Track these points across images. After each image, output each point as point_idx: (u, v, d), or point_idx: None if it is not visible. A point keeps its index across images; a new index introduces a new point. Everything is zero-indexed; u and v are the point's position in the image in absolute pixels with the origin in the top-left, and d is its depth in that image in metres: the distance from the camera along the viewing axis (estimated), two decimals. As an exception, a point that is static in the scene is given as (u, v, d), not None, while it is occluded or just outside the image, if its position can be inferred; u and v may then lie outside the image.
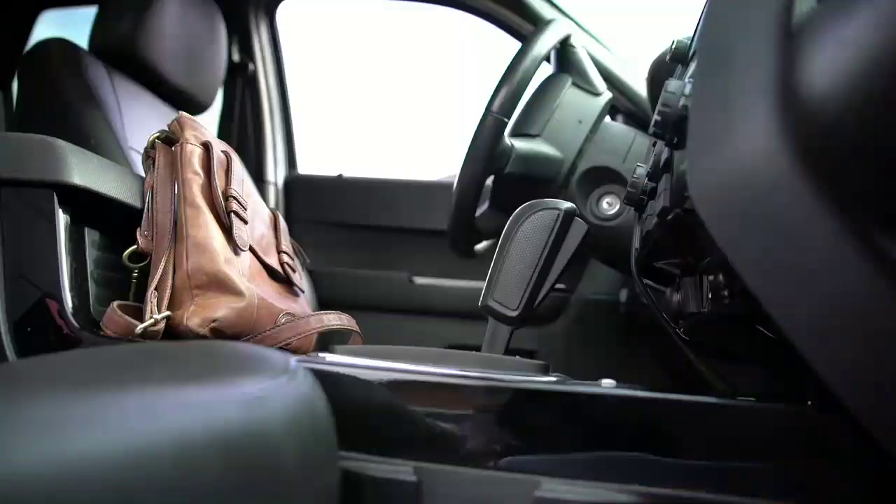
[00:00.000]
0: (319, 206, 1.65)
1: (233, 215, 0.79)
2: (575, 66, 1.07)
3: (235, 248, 0.79)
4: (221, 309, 0.73)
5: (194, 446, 0.33)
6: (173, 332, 0.73)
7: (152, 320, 0.70)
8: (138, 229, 0.76)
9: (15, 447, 0.27)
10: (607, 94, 1.08)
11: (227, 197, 0.80)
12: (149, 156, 0.80)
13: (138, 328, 0.70)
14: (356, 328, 0.87)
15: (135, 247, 0.75)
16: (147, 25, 1.11)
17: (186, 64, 1.21)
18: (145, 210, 0.77)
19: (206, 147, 0.81)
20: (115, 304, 0.71)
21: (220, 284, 0.74)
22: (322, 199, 1.65)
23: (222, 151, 0.84)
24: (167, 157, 0.79)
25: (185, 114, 0.84)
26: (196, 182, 0.78)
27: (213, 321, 0.72)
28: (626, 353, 1.45)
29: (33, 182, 0.70)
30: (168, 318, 0.72)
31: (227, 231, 0.79)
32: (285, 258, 0.92)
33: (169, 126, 0.82)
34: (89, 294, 0.74)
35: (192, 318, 0.71)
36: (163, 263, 0.74)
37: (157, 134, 0.81)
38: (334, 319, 0.84)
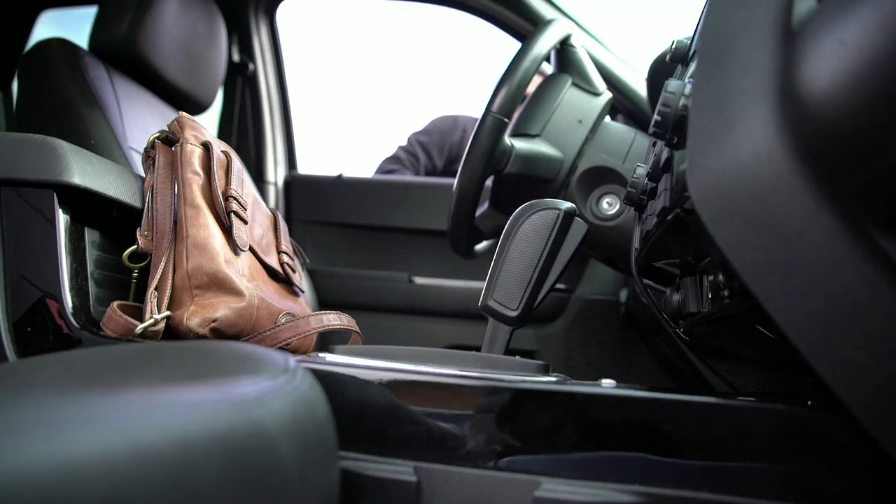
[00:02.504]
0: (319, 206, 1.65)
1: (233, 215, 0.79)
2: (575, 66, 1.07)
3: (235, 249, 0.79)
4: (221, 309, 0.73)
5: (194, 446, 0.33)
6: (173, 332, 0.73)
7: (152, 320, 0.70)
8: (138, 229, 0.76)
9: (14, 447, 0.27)
10: (607, 94, 1.08)
11: (226, 197, 0.80)
12: (149, 156, 0.81)
13: (138, 328, 0.70)
14: (356, 328, 0.87)
15: (135, 247, 0.75)
16: (147, 25, 1.11)
17: (186, 64, 1.21)
18: (145, 210, 0.77)
19: (206, 147, 0.81)
20: (114, 304, 0.71)
21: (220, 284, 0.74)
22: (322, 199, 1.65)
23: (222, 151, 0.84)
24: (167, 157, 0.80)
25: (184, 114, 0.84)
26: (196, 182, 0.78)
27: (213, 321, 0.72)
28: (626, 353, 1.45)
29: (33, 182, 0.70)
30: (168, 318, 0.72)
31: (227, 231, 0.79)
32: (285, 258, 0.92)
33: (169, 126, 0.82)
34: (89, 294, 0.74)
35: (192, 318, 0.71)
36: (163, 263, 0.74)
37: (157, 134, 0.81)
38: (334, 319, 0.84)
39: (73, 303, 0.71)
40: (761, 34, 0.38)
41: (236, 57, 1.63)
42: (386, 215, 1.61)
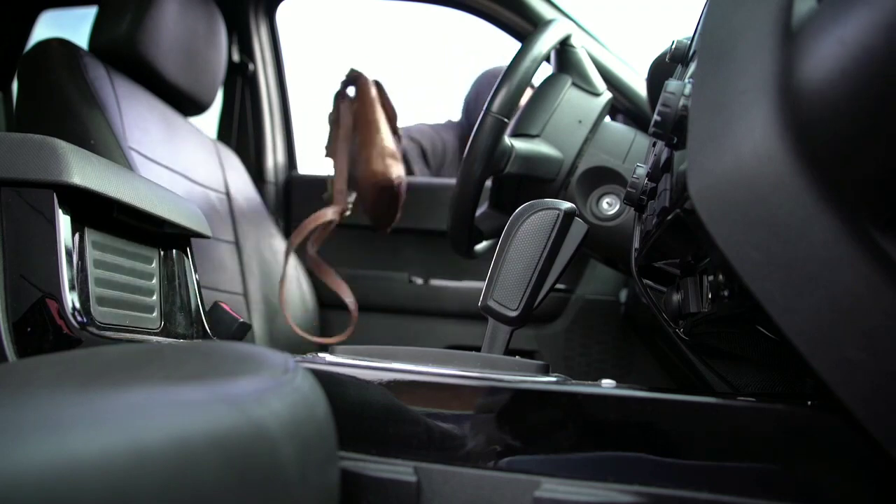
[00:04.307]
0: (319, 207, 1.65)
1: None
2: (575, 66, 1.07)
3: None
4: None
5: (193, 447, 0.33)
6: None
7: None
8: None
9: (14, 447, 0.27)
10: (607, 94, 1.08)
11: None
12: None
13: None
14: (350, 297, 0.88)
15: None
16: (147, 25, 1.11)
17: (186, 64, 1.21)
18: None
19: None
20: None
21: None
22: (322, 199, 1.65)
23: None
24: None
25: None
26: None
27: None
28: (625, 353, 1.45)
29: (33, 182, 0.70)
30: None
31: None
32: None
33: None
34: (89, 294, 0.74)
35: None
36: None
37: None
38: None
39: (73, 303, 0.71)
40: (761, 34, 0.38)
41: (236, 57, 1.63)
42: (386, 215, 1.61)
